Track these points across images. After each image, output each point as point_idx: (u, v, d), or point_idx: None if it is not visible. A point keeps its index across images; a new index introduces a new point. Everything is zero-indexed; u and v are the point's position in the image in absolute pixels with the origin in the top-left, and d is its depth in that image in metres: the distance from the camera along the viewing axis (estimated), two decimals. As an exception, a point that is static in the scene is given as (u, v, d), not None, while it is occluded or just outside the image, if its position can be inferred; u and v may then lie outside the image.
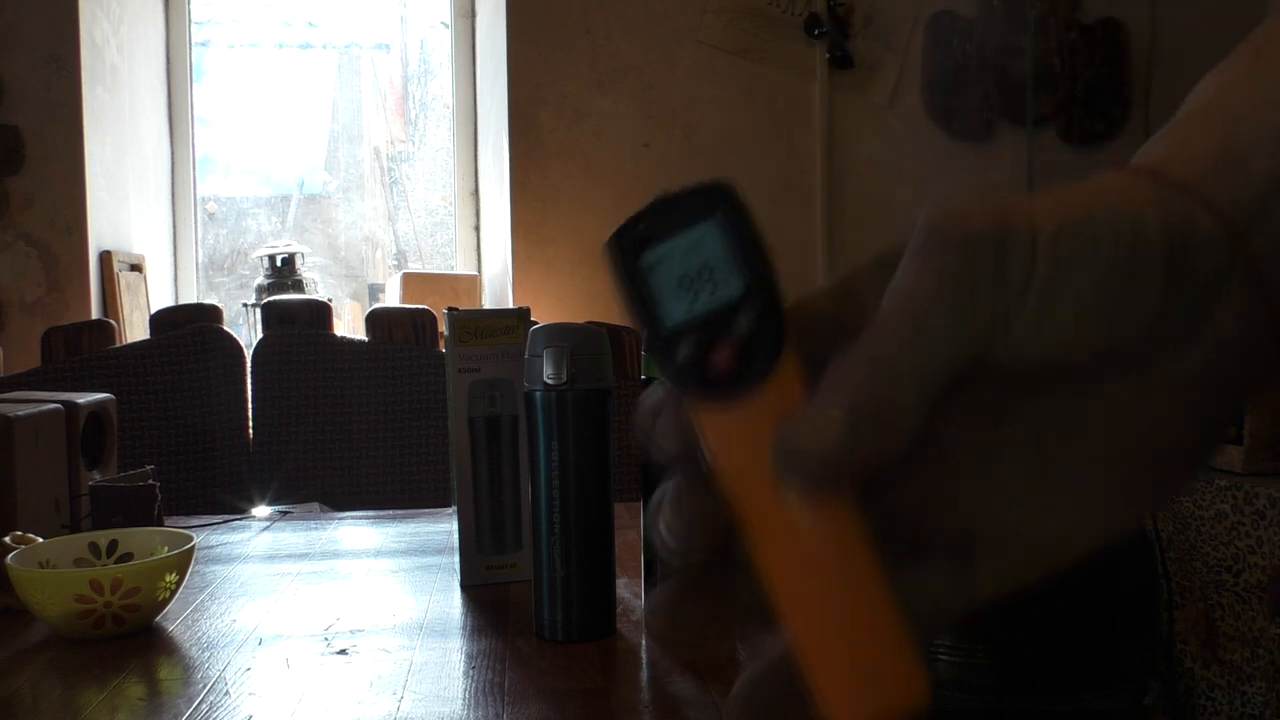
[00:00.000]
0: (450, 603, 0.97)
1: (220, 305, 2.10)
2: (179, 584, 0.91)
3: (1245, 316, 0.30)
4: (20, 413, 1.07)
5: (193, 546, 0.93)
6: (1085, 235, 0.29)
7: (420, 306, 2.02)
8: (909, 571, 0.32)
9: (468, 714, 0.72)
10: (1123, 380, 0.31)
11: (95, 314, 2.59)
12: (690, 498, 0.31)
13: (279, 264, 3.00)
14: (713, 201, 0.30)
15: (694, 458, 0.31)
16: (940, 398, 0.29)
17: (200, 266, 3.16)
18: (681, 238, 0.30)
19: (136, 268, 2.82)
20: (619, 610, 0.89)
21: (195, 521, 1.34)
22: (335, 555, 1.16)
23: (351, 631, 0.89)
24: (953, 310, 0.29)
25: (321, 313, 1.97)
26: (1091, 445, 0.31)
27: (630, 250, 0.31)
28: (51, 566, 0.91)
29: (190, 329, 1.89)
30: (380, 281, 3.25)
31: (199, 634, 0.89)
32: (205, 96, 3.18)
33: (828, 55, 2.83)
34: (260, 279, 3.03)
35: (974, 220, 0.29)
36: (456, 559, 1.01)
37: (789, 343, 0.30)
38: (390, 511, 1.40)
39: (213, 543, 1.21)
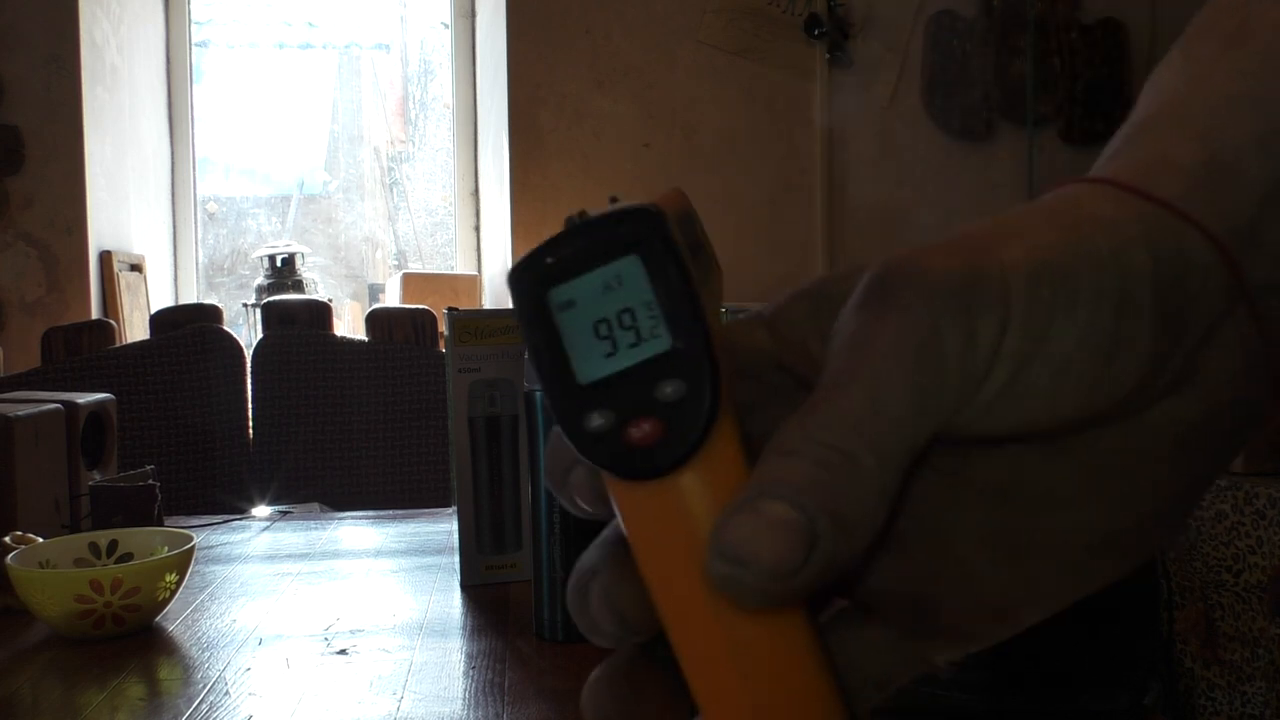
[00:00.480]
0: (450, 603, 0.97)
1: (220, 305, 2.10)
2: (179, 584, 0.91)
3: (1239, 359, 0.27)
4: (20, 413, 1.07)
5: (193, 546, 0.93)
6: (1065, 285, 0.25)
7: (420, 306, 2.02)
8: (857, 633, 0.29)
9: (468, 714, 0.72)
10: (1102, 435, 0.27)
11: (95, 314, 2.59)
12: (622, 588, 0.27)
13: (279, 264, 3.00)
14: (638, 231, 0.25)
15: (618, 527, 0.27)
16: (903, 482, 0.25)
17: (200, 267, 3.16)
18: (598, 274, 0.25)
19: (136, 268, 2.82)
20: (619, 610, 0.88)
21: (195, 521, 1.34)
22: (335, 555, 1.16)
23: (351, 631, 0.89)
24: (915, 380, 0.24)
25: (321, 313, 1.97)
26: (1064, 504, 0.27)
27: (537, 285, 0.25)
28: (51, 566, 0.91)
29: (190, 329, 1.89)
30: (380, 281, 3.25)
31: (199, 634, 0.89)
32: (205, 96, 3.19)
33: (828, 55, 2.83)
34: (260, 279, 3.03)
35: (935, 267, 0.25)
36: (456, 559, 1.01)
37: (725, 410, 0.25)
38: (390, 511, 1.40)
39: (213, 543, 1.21)
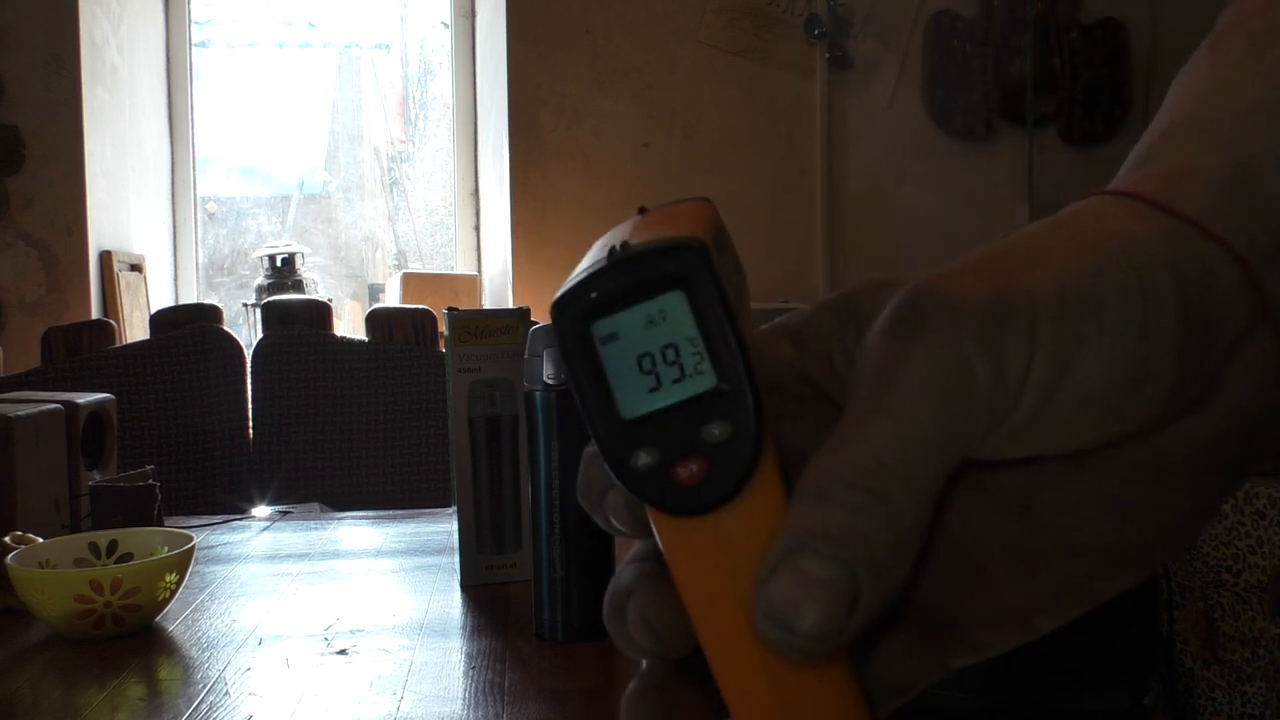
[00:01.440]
0: (450, 603, 0.97)
1: (220, 305, 2.10)
2: (179, 584, 0.91)
3: (1259, 376, 0.27)
4: (20, 413, 1.07)
5: (193, 546, 0.93)
6: (1091, 314, 0.25)
7: (420, 306, 2.02)
8: (878, 639, 0.29)
9: (468, 714, 0.72)
10: (1123, 451, 0.27)
11: (95, 314, 2.59)
12: (658, 608, 0.27)
13: (279, 264, 3.00)
14: (682, 266, 0.25)
15: (654, 546, 0.27)
16: (935, 511, 0.25)
17: (200, 266, 3.16)
18: (642, 308, 0.25)
19: (136, 268, 2.82)
20: (619, 610, 0.88)
21: (195, 521, 1.34)
22: (335, 555, 1.16)
23: (351, 631, 0.89)
24: (944, 413, 0.24)
25: (321, 313, 1.97)
26: (1083, 516, 0.28)
27: (580, 319, 0.25)
28: (51, 566, 0.91)
29: (190, 329, 1.89)
30: (380, 281, 3.25)
31: (199, 634, 0.89)
32: (205, 96, 3.18)
33: (828, 55, 2.83)
34: (260, 279, 3.03)
35: (964, 297, 0.25)
36: (456, 559, 1.01)
37: (767, 447, 0.25)
38: (390, 511, 1.40)
39: (213, 543, 1.21)
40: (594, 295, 0.25)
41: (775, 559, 0.24)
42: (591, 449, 0.27)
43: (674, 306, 0.25)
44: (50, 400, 1.15)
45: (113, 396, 1.26)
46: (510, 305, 2.77)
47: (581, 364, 0.26)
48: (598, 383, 0.26)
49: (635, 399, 0.25)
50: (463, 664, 0.82)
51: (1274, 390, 0.27)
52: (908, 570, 0.24)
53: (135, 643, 0.87)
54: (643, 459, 0.25)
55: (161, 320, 1.95)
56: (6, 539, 0.95)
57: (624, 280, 0.25)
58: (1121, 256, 0.26)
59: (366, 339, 1.94)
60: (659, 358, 0.25)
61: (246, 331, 2.90)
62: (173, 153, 3.09)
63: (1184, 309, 0.25)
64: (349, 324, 3.08)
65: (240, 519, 1.36)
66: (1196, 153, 0.28)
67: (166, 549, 0.94)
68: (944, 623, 0.29)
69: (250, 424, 1.90)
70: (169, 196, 3.09)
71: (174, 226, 3.11)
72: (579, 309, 0.25)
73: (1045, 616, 0.29)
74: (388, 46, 3.38)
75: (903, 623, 0.29)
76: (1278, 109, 0.28)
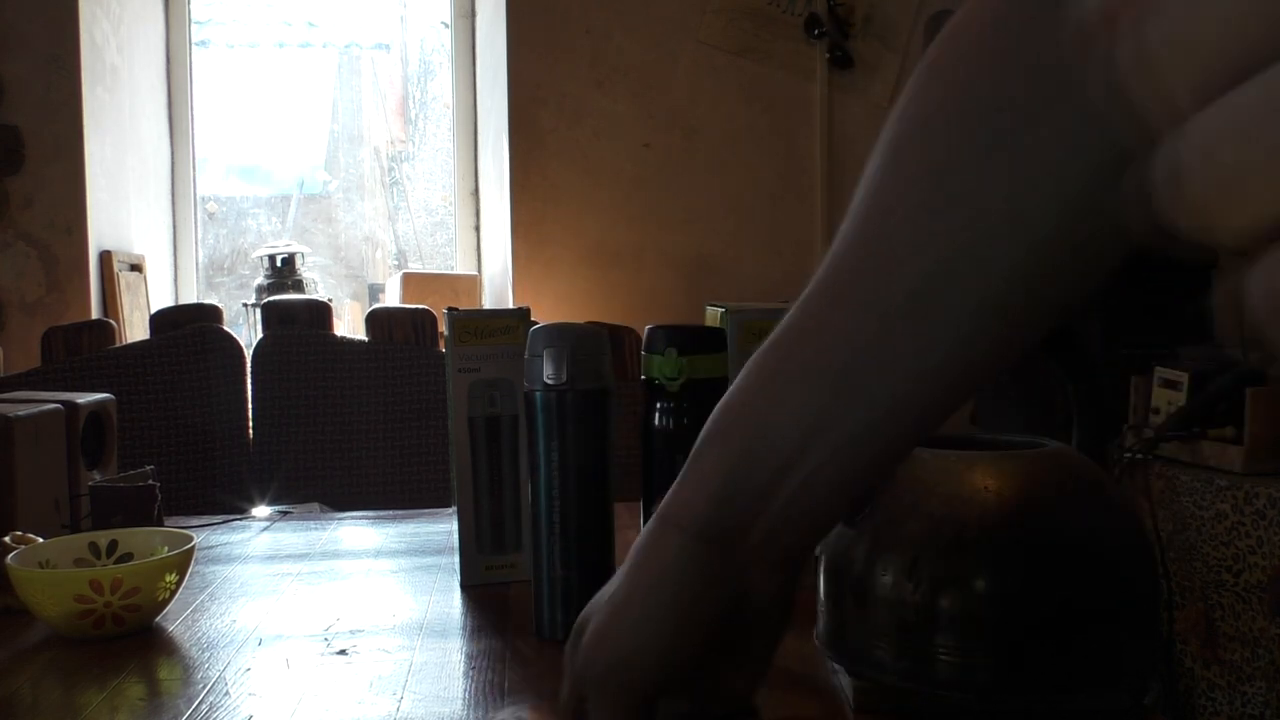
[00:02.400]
0: (450, 603, 0.97)
1: (220, 305, 2.10)
2: (179, 584, 0.91)
3: (765, 606, 0.49)
4: (20, 413, 1.07)
5: (193, 546, 0.93)
6: (614, 640, 0.51)
7: (420, 306, 2.02)
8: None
9: (468, 714, 0.72)
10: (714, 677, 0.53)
11: (95, 314, 2.59)
12: None
13: (279, 264, 3.00)
14: None
15: None
16: None
17: (200, 266, 3.16)
18: None
19: (136, 268, 2.82)
20: (619, 610, 0.88)
21: (195, 521, 1.34)
22: (335, 555, 1.16)
23: (351, 631, 0.89)
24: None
25: (321, 313, 1.97)
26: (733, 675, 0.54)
27: None
28: (51, 566, 0.91)
29: (190, 329, 1.89)
30: (380, 281, 3.25)
31: (199, 634, 0.89)
32: (205, 96, 3.18)
33: (828, 55, 2.83)
34: (260, 279, 3.03)
35: (588, 663, 0.52)
36: (456, 559, 1.01)
37: None
38: (390, 511, 1.39)
39: (213, 543, 1.21)
40: None
41: None
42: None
43: None
44: (50, 400, 1.15)
45: (113, 396, 1.26)
46: (510, 305, 2.77)
47: None
48: None
49: None
50: (463, 664, 0.82)
51: (777, 609, 0.51)
52: None
53: (135, 643, 0.87)
54: None
55: (161, 320, 1.96)
56: (6, 539, 0.95)
57: None
58: (654, 572, 0.50)
59: (366, 339, 1.94)
60: None
61: (246, 331, 2.90)
62: (173, 153, 3.09)
63: (684, 596, 0.49)
64: (349, 324, 3.08)
65: (240, 519, 1.36)
66: (706, 469, 0.50)
67: (166, 549, 0.94)
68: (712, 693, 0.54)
69: (250, 424, 1.90)
70: (169, 196, 3.09)
71: (174, 226, 3.11)
72: None
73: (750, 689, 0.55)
74: (388, 46, 3.38)
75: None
76: (749, 416, 0.50)
